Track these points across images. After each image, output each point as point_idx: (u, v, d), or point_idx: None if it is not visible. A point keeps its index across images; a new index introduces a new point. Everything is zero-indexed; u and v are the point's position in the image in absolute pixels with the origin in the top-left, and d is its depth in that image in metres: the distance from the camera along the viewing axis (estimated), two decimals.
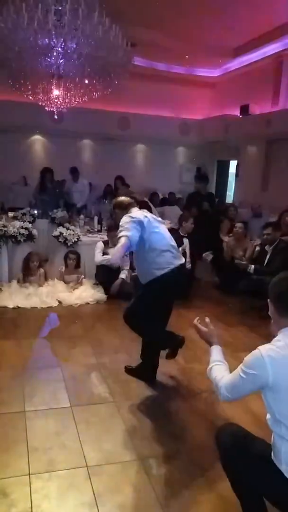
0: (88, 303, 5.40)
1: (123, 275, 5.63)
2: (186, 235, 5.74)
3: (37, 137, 12.94)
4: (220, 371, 1.93)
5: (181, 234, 5.75)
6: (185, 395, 3.32)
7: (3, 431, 2.73)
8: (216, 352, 2.04)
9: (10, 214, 6.95)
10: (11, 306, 5.05)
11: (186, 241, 5.71)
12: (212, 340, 2.09)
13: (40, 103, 7.01)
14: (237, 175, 12.02)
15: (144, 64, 10.94)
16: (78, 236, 6.03)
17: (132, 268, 5.66)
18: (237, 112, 10.92)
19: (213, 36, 9.28)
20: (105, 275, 5.65)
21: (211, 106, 13.10)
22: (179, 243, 5.66)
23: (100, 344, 4.20)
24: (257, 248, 5.79)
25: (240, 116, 10.74)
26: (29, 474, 2.34)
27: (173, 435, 2.79)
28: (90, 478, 2.34)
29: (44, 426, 2.81)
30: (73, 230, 6.11)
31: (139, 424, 2.89)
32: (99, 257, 5.63)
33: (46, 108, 7.12)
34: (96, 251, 5.70)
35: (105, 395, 3.24)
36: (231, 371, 1.86)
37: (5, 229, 5.65)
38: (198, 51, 10.32)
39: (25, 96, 6.99)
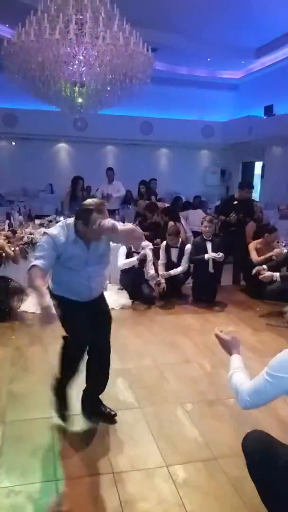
0: (113, 308, 5.40)
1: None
2: (210, 239, 5.69)
3: (61, 145, 13.17)
4: (240, 377, 1.89)
5: (205, 238, 5.70)
6: (211, 401, 3.27)
7: (30, 437, 2.75)
8: (236, 361, 1.99)
9: (37, 221, 7.07)
10: (38, 312, 5.09)
11: (209, 245, 5.65)
12: (233, 350, 2.05)
13: (63, 111, 7.12)
14: (262, 176, 11.87)
15: (165, 68, 10.98)
16: None
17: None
18: (261, 113, 10.81)
19: (235, 38, 9.23)
20: (129, 280, 5.67)
21: (235, 107, 13.01)
22: (202, 247, 5.63)
23: (125, 349, 4.19)
24: (285, 250, 5.67)
25: (265, 117, 10.62)
26: (55, 480, 2.35)
27: (199, 442, 2.75)
28: (116, 485, 2.33)
29: (71, 432, 2.81)
30: None
31: (165, 430, 2.86)
32: (122, 261, 5.65)
33: (71, 116, 7.21)
34: (119, 256, 5.72)
35: (130, 400, 3.23)
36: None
37: (32, 236, 5.74)
38: (220, 53, 10.28)
39: (49, 105, 7.11)
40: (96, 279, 2.80)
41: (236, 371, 1.93)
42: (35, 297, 2.42)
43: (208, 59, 10.78)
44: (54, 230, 2.64)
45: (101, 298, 2.98)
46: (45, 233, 2.67)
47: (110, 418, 2.93)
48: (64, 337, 2.82)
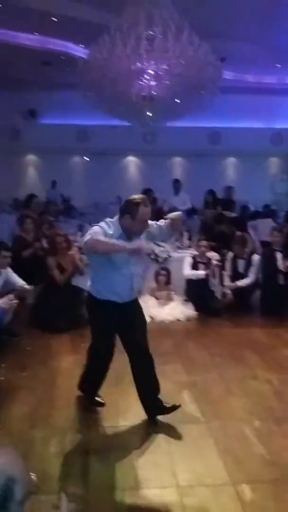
0: (179, 319, 5.42)
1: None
2: (280, 249, 5.52)
3: (130, 158, 13.46)
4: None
5: (275, 248, 5.55)
6: (280, 418, 3.15)
7: (97, 445, 2.82)
8: None
9: None
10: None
11: (279, 256, 5.48)
12: None
13: (133, 125, 7.31)
14: None
15: (233, 77, 10.88)
16: (168, 253, 6.12)
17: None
18: None
19: None
20: (196, 292, 5.65)
21: None
22: (272, 258, 5.47)
23: (190, 361, 4.17)
24: None
25: None
26: (123, 489, 2.40)
27: (266, 460, 2.67)
28: (181, 499, 2.32)
29: (136, 441, 2.86)
30: (164, 247, 6.21)
31: (231, 446, 2.81)
32: (188, 271, 5.65)
33: (140, 130, 7.38)
34: (184, 265, 5.73)
35: (196, 414, 3.20)
36: None
37: None
38: None
39: (120, 119, 7.34)
40: (137, 278, 2.95)
41: None
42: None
43: (278, 66, 10.54)
44: (100, 224, 2.79)
45: (136, 301, 3.12)
46: (92, 227, 2.81)
47: (174, 408, 3.03)
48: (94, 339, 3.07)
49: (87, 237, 2.68)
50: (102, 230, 2.72)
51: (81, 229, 7.03)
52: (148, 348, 3.07)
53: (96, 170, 12.82)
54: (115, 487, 2.43)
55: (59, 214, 10.01)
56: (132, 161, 13.44)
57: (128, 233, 2.77)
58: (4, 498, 0.89)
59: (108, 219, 2.85)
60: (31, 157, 13.30)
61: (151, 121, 7.08)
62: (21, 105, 12.35)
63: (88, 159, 13.17)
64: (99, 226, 2.77)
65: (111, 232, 2.74)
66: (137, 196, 2.80)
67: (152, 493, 2.38)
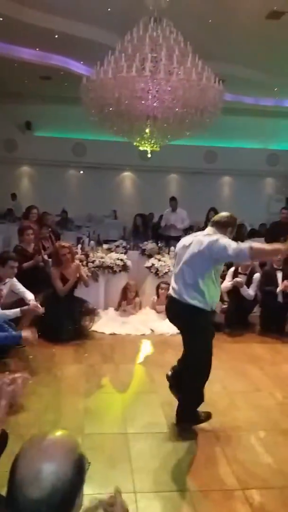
0: (179, 332, 5.48)
1: None
2: (280, 268, 5.66)
3: (126, 173, 13.63)
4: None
5: (275, 267, 5.69)
6: (285, 429, 3.24)
7: (107, 450, 2.89)
8: None
9: (105, 246, 7.38)
10: (107, 332, 5.33)
11: (279, 274, 5.62)
12: None
13: (134, 143, 7.46)
14: None
15: (232, 99, 11.16)
16: (169, 267, 6.23)
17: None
18: None
19: None
20: None
21: None
22: (272, 276, 5.60)
23: None
24: None
25: None
26: (135, 492, 2.46)
27: (274, 469, 2.75)
28: (193, 503, 2.39)
29: (146, 448, 2.92)
30: (164, 261, 6.33)
31: (239, 455, 2.89)
32: None
33: (140, 148, 7.53)
34: None
35: (203, 425, 3.26)
36: None
37: (103, 260, 6.02)
38: (287, 83, 10.34)
39: (122, 137, 7.49)
40: None
41: None
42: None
43: (275, 89, 10.88)
44: (222, 236, 2.94)
45: None
46: (218, 239, 2.89)
47: (208, 417, 3.16)
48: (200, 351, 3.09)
49: (241, 245, 2.78)
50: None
51: (80, 242, 7.08)
52: None
53: (92, 183, 12.98)
54: (127, 487, 2.46)
55: (56, 225, 10.12)
56: (128, 176, 13.62)
57: None
58: (83, 470, 1.01)
59: (209, 232, 3.02)
60: (26, 169, 13.41)
61: (154, 144, 7.23)
62: (18, 117, 12.52)
63: (82, 172, 13.31)
64: (224, 236, 2.94)
65: None
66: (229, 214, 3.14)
67: (165, 496, 2.45)
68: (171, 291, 3.16)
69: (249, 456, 2.88)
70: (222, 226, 3.02)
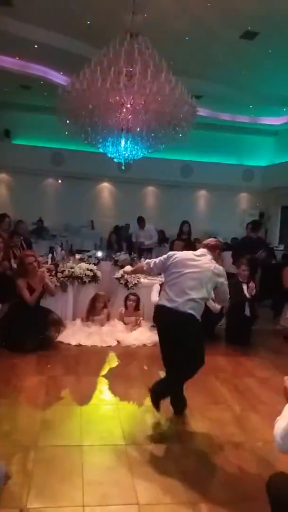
0: (145, 344, 5.50)
1: None
2: (245, 281, 5.75)
3: (104, 184, 13.67)
4: (280, 423, 1.87)
5: (240, 280, 5.77)
6: (239, 443, 3.27)
7: (60, 462, 2.85)
8: None
9: (77, 256, 7.37)
10: (73, 343, 5.29)
11: (245, 287, 5.71)
12: None
13: (109, 155, 7.52)
14: None
15: (208, 115, 11.39)
16: (138, 278, 6.25)
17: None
18: None
19: (277, 87, 9.55)
20: None
21: (275, 152, 13.24)
22: (239, 289, 5.68)
23: None
24: None
25: None
26: (83, 506, 2.43)
27: (225, 483, 2.77)
28: None
29: (99, 461, 2.90)
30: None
31: (192, 468, 2.90)
32: (156, 298, 5.76)
33: (115, 160, 7.59)
34: (152, 292, 5.86)
35: (158, 436, 3.28)
36: None
37: (73, 270, 6.01)
38: (262, 101, 10.61)
39: (97, 147, 7.54)
40: None
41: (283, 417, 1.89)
42: None
43: (251, 106, 11.14)
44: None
45: None
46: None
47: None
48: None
49: None
50: None
51: (52, 252, 7.03)
52: None
53: (70, 193, 12.96)
54: (78, 501, 2.46)
55: (31, 233, 10.07)
56: (106, 187, 13.66)
57: None
58: None
59: (203, 253, 3.58)
60: (3, 176, 13.29)
61: (126, 153, 7.30)
62: None
63: (60, 181, 13.29)
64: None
65: None
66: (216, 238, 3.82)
67: (113, 510, 2.43)
68: (165, 303, 3.42)
69: (201, 469, 2.89)
70: (212, 248, 3.60)
